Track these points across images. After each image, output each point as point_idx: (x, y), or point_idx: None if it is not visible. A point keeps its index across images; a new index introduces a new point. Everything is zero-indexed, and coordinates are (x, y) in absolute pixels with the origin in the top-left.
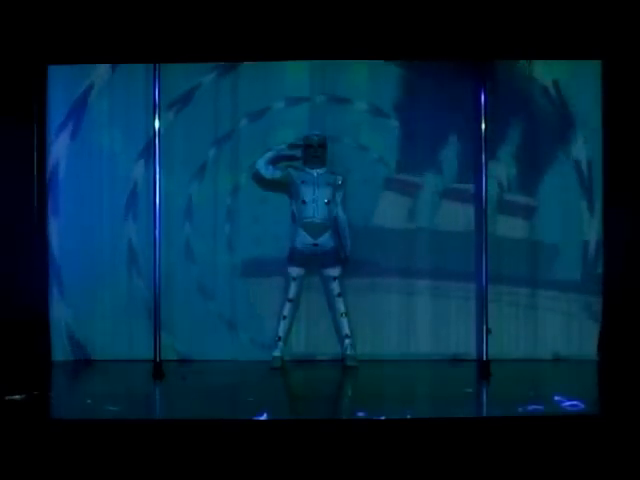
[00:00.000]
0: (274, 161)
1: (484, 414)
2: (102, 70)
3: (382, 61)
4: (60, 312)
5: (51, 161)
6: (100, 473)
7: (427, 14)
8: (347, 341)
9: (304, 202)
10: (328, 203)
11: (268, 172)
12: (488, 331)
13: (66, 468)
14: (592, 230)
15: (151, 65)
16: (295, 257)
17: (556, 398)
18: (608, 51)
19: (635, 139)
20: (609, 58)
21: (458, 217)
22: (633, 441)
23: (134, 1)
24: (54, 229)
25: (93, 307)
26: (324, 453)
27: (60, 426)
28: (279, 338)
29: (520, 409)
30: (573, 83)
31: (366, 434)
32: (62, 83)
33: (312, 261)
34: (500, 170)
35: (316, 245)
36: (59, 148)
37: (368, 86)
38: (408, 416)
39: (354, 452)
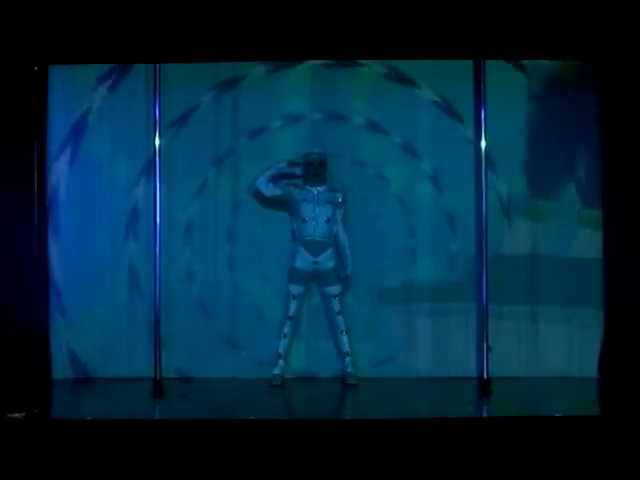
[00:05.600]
0: (274, 179)
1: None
2: (102, 90)
3: (382, 77)
4: (60, 330)
5: (51, 182)
6: (98, 474)
7: (426, 14)
8: (347, 359)
9: (304, 220)
10: (328, 221)
11: (268, 190)
12: (488, 349)
13: (65, 469)
14: (592, 246)
15: (151, 84)
16: (295, 275)
17: None
18: (601, 55)
19: (633, 150)
20: (602, 62)
21: None
22: (632, 442)
23: (134, 1)
24: (54, 248)
25: (93, 325)
26: (324, 453)
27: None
28: (279, 356)
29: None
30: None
31: (366, 434)
32: (62, 103)
33: (312, 279)
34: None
35: (316, 263)
36: (59, 169)
37: (367, 103)
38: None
39: (354, 452)
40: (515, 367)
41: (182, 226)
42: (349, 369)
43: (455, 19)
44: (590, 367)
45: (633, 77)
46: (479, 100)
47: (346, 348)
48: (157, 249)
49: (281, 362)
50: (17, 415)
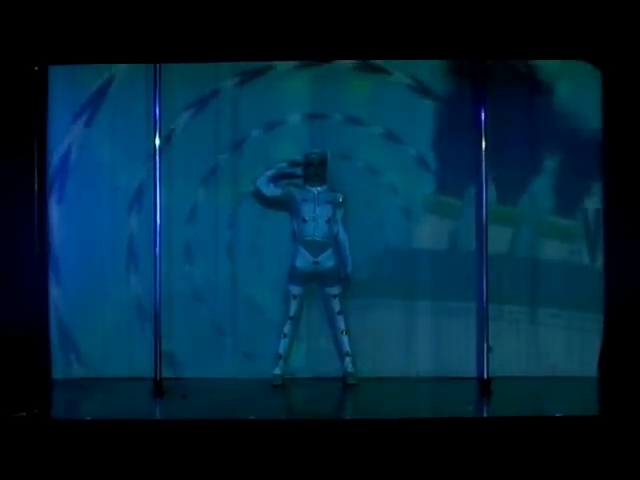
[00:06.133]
0: (275, 179)
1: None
2: (102, 90)
3: (385, 78)
4: (61, 328)
5: (51, 182)
6: (98, 474)
7: (426, 13)
8: (347, 359)
9: (304, 220)
10: (329, 221)
11: (269, 190)
12: (489, 349)
13: (65, 469)
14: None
15: (151, 84)
16: (295, 275)
17: None
18: (608, 59)
19: (634, 151)
20: (609, 66)
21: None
22: (632, 442)
23: (134, 1)
24: (55, 244)
25: (94, 324)
26: (324, 453)
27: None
28: (280, 356)
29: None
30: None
31: (366, 434)
32: (62, 103)
33: (312, 279)
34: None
35: (317, 263)
36: (59, 169)
37: (370, 103)
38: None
39: (354, 452)
40: (515, 367)
41: (183, 219)
42: (349, 369)
43: (465, 17)
44: (590, 367)
45: (636, 78)
46: (479, 100)
47: (346, 348)
48: (157, 249)
49: (281, 362)
50: (17, 415)
